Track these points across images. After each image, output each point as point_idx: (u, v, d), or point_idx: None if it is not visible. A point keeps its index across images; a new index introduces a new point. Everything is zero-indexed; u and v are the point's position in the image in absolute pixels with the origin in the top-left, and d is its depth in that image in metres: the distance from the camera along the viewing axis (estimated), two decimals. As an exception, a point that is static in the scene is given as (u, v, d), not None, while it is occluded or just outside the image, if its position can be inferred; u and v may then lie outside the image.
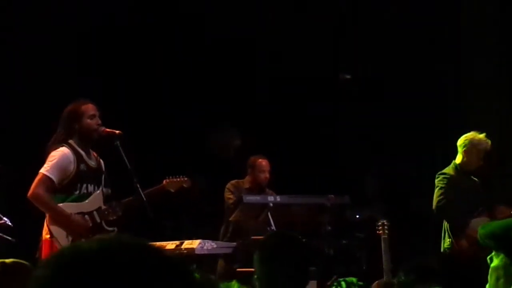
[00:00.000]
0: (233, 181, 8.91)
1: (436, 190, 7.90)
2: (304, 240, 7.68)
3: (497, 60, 10.39)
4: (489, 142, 7.93)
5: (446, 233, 7.87)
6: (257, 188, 8.86)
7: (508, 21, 10.26)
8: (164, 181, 6.95)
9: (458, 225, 7.76)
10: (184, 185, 7.05)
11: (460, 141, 7.97)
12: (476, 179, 7.95)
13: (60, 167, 6.31)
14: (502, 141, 9.21)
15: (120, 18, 10.13)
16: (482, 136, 7.95)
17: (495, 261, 3.34)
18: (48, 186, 6.28)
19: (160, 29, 10.49)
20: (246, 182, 8.92)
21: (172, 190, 6.95)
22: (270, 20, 10.64)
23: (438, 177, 7.97)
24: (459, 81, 10.59)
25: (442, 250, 7.86)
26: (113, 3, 10.10)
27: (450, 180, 7.89)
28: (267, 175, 8.86)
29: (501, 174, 9.13)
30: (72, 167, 6.34)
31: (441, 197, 7.83)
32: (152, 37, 10.44)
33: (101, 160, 6.63)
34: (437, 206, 7.83)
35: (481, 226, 3.51)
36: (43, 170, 6.31)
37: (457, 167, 7.96)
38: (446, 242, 7.84)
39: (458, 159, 7.98)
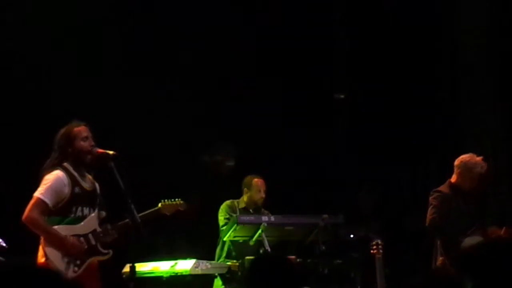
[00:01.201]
0: (228, 202, 8.81)
1: (430, 207, 7.92)
2: (298, 260, 7.78)
3: (494, 75, 10.43)
4: (485, 165, 7.96)
5: (439, 251, 7.89)
6: (253, 208, 8.79)
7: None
8: (160, 204, 6.98)
9: (451, 243, 7.78)
10: (180, 209, 7.08)
11: (456, 162, 8.02)
12: (470, 198, 7.98)
13: (55, 190, 6.32)
14: (496, 159, 9.23)
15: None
16: (478, 159, 7.98)
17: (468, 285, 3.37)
18: (42, 209, 6.29)
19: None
20: (241, 202, 8.82)
21: (168, 214, 6.98)
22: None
23: (432, 195, 8.00)
24: (455, 97, 10.61)
25: (434, 267, 7.87)
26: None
27: (444, 198, 7.92)
28: (263, 194, 8.76)
29: (495, 193, 9.15)
30: (66, 190, 6.35)
31: (435, 214, 7.85)
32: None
33: (96, 183, 6.63)
34: (430, 223, 7.85)
35: None
36: (37, 194, 6.32)
37: (451, 186, 8.00)
38: (438, 260, 7.86)
39: (453, 178, 8.02)
